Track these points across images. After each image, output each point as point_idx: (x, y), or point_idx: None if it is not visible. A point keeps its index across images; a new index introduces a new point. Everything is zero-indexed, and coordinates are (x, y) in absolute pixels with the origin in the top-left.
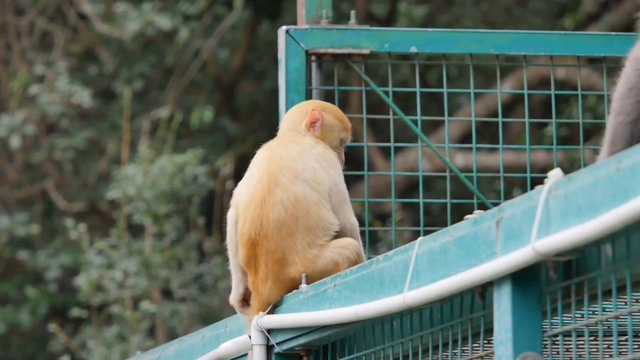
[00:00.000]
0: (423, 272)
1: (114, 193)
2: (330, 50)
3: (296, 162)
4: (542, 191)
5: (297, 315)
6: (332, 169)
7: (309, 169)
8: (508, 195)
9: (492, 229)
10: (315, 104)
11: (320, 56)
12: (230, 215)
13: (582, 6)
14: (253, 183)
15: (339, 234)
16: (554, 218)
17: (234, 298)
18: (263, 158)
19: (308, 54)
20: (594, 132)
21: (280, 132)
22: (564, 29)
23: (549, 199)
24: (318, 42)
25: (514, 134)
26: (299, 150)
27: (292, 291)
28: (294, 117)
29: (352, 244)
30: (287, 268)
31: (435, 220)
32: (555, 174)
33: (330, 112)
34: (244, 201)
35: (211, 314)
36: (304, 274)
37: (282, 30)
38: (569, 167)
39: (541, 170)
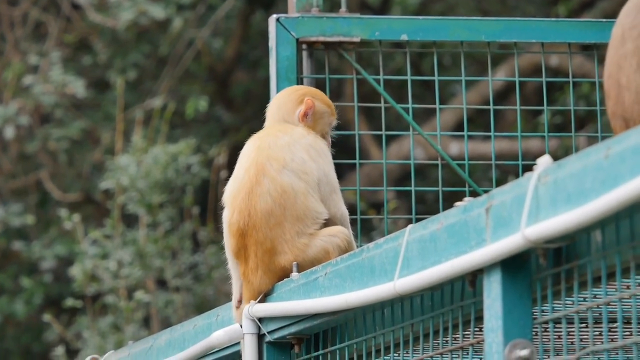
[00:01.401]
0: (413, 260)
1: (108, 183)
2: (321, 39)
3: (284, 152)
4: (531, 178)
5: (288, 303)
6: (321, 159)
7: (298, 159)
8: (502, 183)
9: (482, 216)
10: (304, 91)
11: (311, 44)
12: (225, 215)
13: None
14: (241, 173)
15: (328, 223)
16: (543, 205)
17: (233, 298)
18: (252, 148)
19: (299, 43)
20: (589, 119)
21: (269, 121)
22: (558, 17)
23: (538, 186)
24: (309, 31)
25: (508, 122)
26: (288, 141)
27: (281, 279)
28: (284, 106)
29: (342, 232)
30: (277, 257)
31: (430, 208)
32: (544, 160)
33: (319, 98)
34: (232, 191)
35: (206, 303)
36: (294, 263)
37: (272, 19)
38: (564, 154)
39: (535, 158)
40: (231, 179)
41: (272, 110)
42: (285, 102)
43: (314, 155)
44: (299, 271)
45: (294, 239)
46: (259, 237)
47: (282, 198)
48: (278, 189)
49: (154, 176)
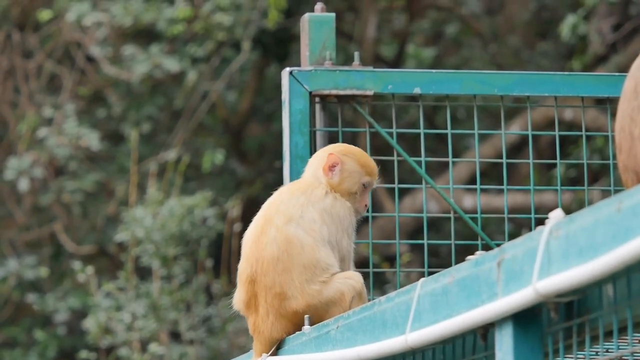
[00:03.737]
0: (425, 313)
1: (123, 235)
2: (334, 92)
3: (294, 210)
4: (543, 232)
5: (299, 357)
6: (334, 225)
7: (308, 218)
8: (515, 237)
9: (494, 270)
10: (338, 148)
11: (324, 97)
12: (239, 266)
13: (590, 48)
14: (252, 226)
15: None
16: (555, 259)
17: None
18: (268, 202)
19: (312, 96)
20: (603, 173)
21: (302, 176)
22: (572, 71)
23: (550, 240)
24: (322, 84)
25: (523, 175)
26: (302, 201)
27: (294, 325)
28: (315, 161)
29: (357, 275)
30: (288, 302)
31: (444, 262)
32: (556, 214)
33: (354, 156)
34: (243, 242)
35: (219, 356)
36: (307, 316)
37: (285, 72)
38: (578, 208)
39: (549, 212)
40: (248, 229)
41: (307, 164)
42: (317, 156)
43: (327, 220)
44: (311, 322)
45: (304, 285)
46: (267, 282)
47: (287, 247)
48: (283, 238)
49: (169, 228)
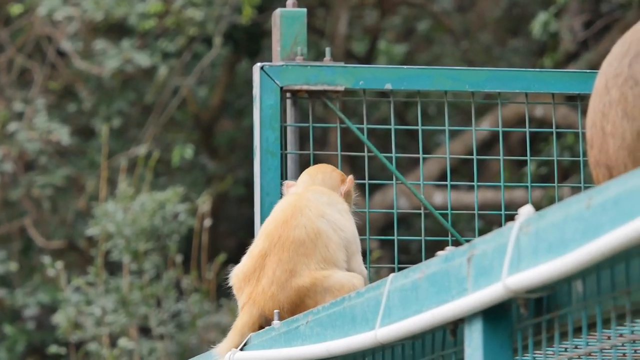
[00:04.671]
0: (395, 309)
1: (94, 229)
2: (305, 87)
3: (324, 207)
4: (513, 228)
5: (269, 352)
6: (351, 223)
7: (335, 216)
8: (486, 234)
9: (464, 266)
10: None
11: (295, 93)
12: (252, 246)
13: (562, 45)
14: (276, 213)
15: None
16: (524, 255)
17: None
18: (290, 198)
19: (283, 91)
20: (573, 170)
21: (307, 185)
22: (543, 68)
23: (520, 236)
24: (293, 79)
25: (493, 172)
26: (327, 201)
27: (289, 304)
28: (330, 180)
29: (361, 275)
30: (295, 279)
31: (414, 258)
32: (526, 210)
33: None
34: (264, 225)
35: (188, 351)
36: (276, 311)
37: (256, 67)
38: (548, 205)
39: (520, 208)
40: (267, 219)
41: (316, 181)
42: (331, 177)
43: (347, 218)
44: (311, 296)
45: (317, 270)
46: (283, 257)
47: (315, 237)
48: (314, 227)
49: (140, 223)
